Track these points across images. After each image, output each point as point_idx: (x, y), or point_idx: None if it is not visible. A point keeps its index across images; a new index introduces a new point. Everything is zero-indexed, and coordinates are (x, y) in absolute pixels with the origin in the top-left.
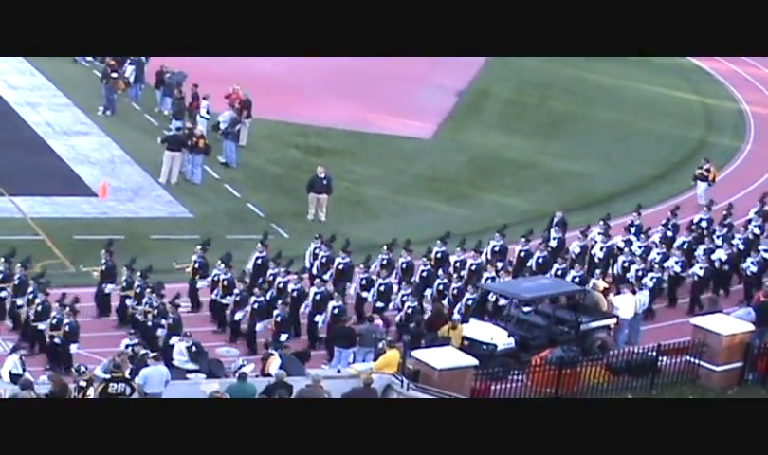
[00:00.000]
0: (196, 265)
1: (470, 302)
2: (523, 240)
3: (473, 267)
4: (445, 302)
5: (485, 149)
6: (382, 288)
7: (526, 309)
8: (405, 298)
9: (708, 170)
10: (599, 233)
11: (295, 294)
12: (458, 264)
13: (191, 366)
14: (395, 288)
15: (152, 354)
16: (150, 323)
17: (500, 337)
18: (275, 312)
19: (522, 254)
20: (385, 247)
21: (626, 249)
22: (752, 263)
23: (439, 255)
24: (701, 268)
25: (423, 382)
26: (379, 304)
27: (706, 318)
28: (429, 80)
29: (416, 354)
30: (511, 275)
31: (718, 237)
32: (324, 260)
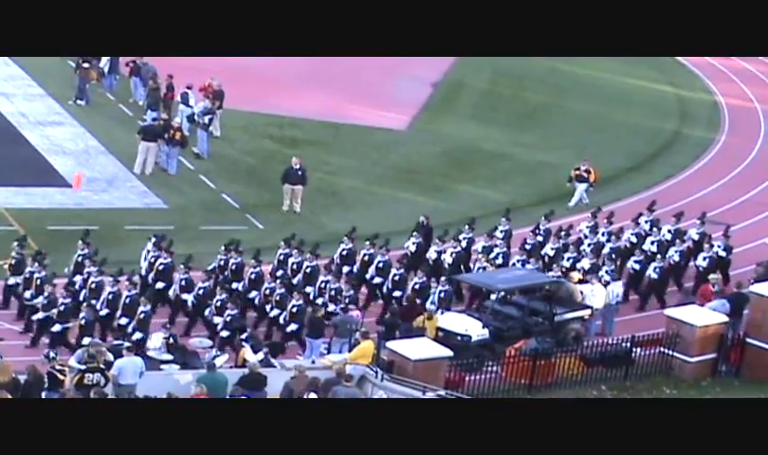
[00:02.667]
0: (12, 262)
1: (443, 294)
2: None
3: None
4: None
5: (460, 140)
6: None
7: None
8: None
9: (588, 170)
10: (587, 226)
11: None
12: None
13: (165, 357)
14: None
15: (126, 345)
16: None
17: (474, 329)
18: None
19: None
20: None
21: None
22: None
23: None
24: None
25: (397, 373)
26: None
27: (680, 309)
28: (405, 71)
29: (391, 344)
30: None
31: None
32: (295, 266)
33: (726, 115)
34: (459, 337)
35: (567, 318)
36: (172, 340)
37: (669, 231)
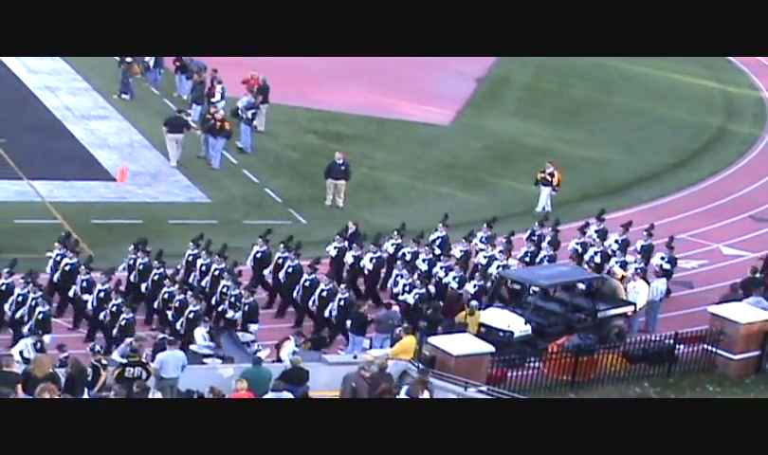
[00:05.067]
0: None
1: (477, 289)
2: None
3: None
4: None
5: (504, 135)
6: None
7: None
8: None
9: (552, 173)
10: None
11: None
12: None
13: (208, 351)
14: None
15: (169, 339)
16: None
17: (517, 325)
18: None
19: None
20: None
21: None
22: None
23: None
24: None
25: (439, 368)
26: (396, 290)
27: (724, 306)
28: (449, 66)
29: (433, 340)
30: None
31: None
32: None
33: None
34: (501, 333)
35: (610, 314)
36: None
37: (617, 242)
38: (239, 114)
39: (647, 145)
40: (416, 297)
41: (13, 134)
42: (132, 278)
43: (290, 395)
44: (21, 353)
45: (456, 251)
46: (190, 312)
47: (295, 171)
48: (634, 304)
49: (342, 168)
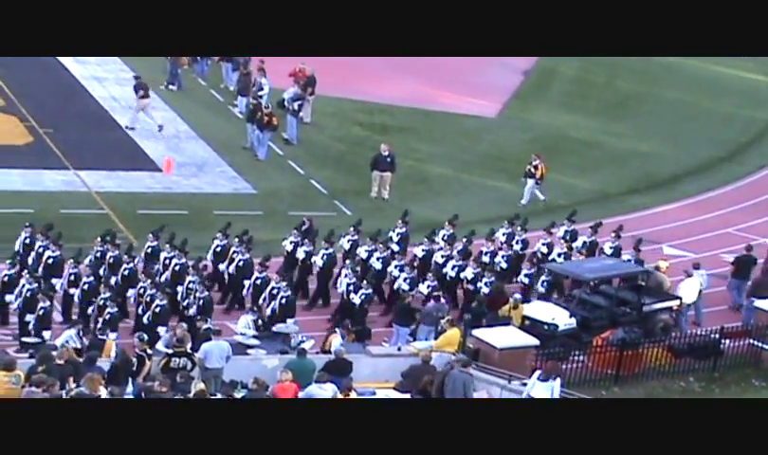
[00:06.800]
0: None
1: (430, 289)
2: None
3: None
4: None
5: (550, 128)
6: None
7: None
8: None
9: (536, 166)
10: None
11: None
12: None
13: (252, 341)
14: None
15: (214, 329)
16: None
17: (561, 318)
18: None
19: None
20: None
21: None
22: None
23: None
24: None
25: (483, 361)
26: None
27: None
28: (495, 58)
29: (477, 332)
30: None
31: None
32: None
33: None
34: (546, 326)
35: (655, 308)
36: (260, 323)
37: (584, 244)
38: (285, 105)
39: (693, 138)
40: (362, 297)
41: (60, 124)
42: (102, 271)
43: (334, 386)
44: (66, 342)
45: (418, 250)
46: (156, 306)
47: (341, 162)
48: (680, 298)
49: (388, 160)
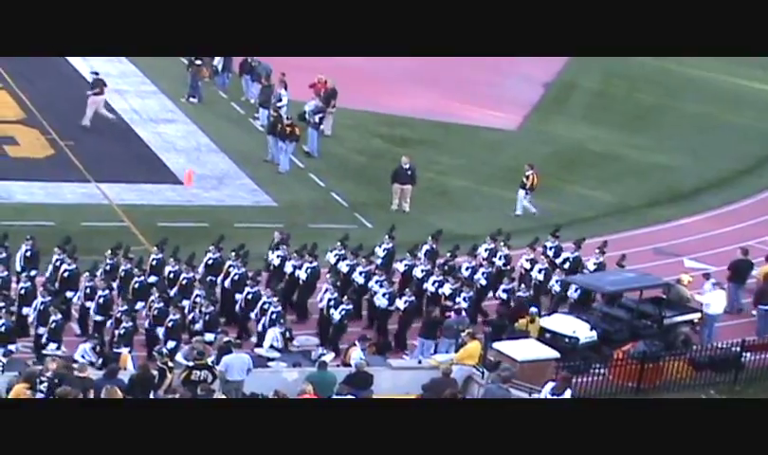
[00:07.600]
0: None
1: (408, 304)
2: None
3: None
4: None
5: (571, 141)
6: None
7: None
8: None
9: (528, 176)
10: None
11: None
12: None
13: (274, 354)
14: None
15: (235, 342)
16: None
17: (582, 330)
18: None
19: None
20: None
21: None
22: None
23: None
24: None
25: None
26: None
27: None
28: (516, 70)
29: (497, 345)
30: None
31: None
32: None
33: None
34: (567, 339)
35: (676, 321)
36: (288, 334)
37: (567, 260)
38: (306, 118)
39: (714, 151)
40: (342, 312)
41: (81, 136)
42: (57, 285)
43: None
44: (82, 357)
45: (400, 265)
46: (169, 321)
47: (361, 175)
48: (701, 311)
49: (409, 172)
